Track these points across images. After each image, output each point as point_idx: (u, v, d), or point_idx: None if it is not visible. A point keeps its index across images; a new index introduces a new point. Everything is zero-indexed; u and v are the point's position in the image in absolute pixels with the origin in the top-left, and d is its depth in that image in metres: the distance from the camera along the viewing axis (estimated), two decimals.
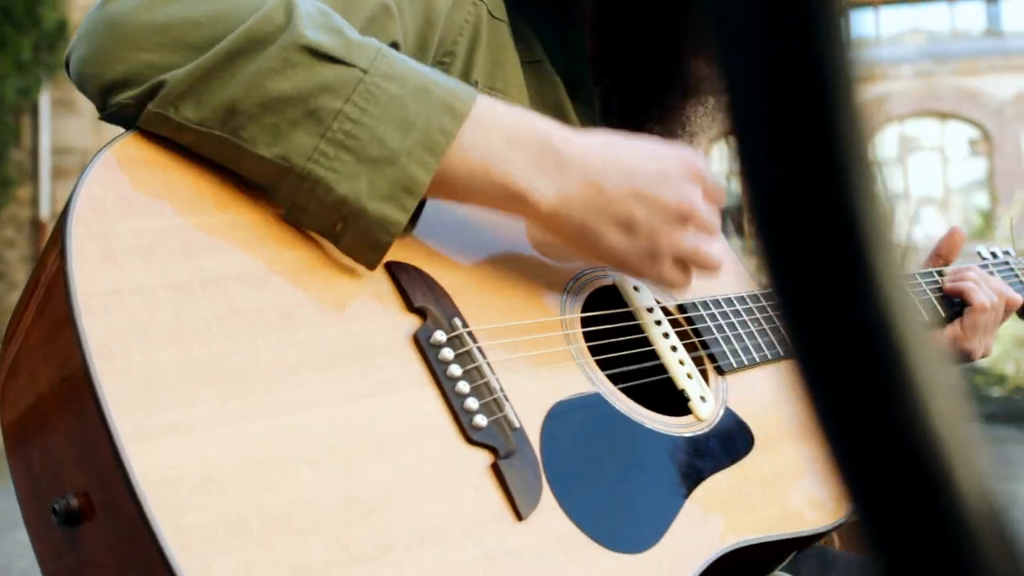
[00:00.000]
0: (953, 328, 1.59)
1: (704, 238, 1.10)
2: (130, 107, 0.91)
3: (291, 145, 0.91)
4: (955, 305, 1.61)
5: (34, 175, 11.58)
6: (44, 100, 11.48)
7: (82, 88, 0.96)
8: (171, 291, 0.85)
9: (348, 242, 0.94)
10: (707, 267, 1.11)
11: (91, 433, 0.77)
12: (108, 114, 0.94)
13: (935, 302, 1.60)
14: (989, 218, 17.59)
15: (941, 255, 1.69)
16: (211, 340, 0.84)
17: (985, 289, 1.61)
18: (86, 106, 11.50)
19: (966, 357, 1.62)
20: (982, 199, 19.68)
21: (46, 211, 11.59)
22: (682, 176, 1.06)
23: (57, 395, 0.81)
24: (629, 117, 1.40)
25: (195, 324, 0.84)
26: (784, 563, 1.26)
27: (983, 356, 1.63)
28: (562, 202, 1.01)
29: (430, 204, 1.08)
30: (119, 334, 0.80)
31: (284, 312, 0.90)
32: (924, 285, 1.61)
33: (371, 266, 0.96)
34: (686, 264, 1.10)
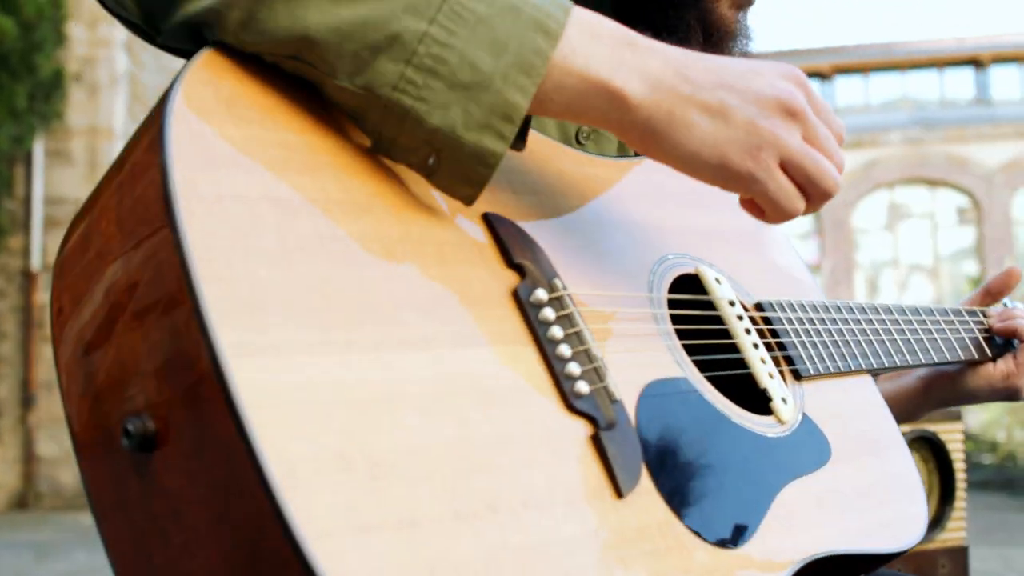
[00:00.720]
0: (1006, 363, 1.56)
1: (821, 147, 0.95)
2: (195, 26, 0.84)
3: (374, 74, 0.82)
4: (1000, 345, 1.59)
5: (26, 225, 11.18)
6: (38, 149, 11.16)
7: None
8: (273, 206, 0.76)
9: (443, 177, 0.86)
10: (821, 182, 0.94)
11: (185, 344, 0.68)
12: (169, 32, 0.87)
13: (981, 340, 1.56)
14: (979, 285, 17.83)
15: (992, 293, 1.66)
16: (314, 263, 0.76)
17: None
18: (80, 156, 11.29)
19: (1016, 394, 1.59)
20: (971, 267, 19.81)
21: (37, 262, 11.15)
22: (780, 75, 0.94)
23: (142, 296, 0.71)
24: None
25: (298, 243, 0.76)
26: None
27: None
28: (650, 89, 0.88)
29: (517, 158, 1.01)
30: (222, 242, 0.71)
31: (385, 246, 0.82)
32: (971, 323, 1.58)
33: (468, 201, 0.87)
34: (795, 178, 0.94)
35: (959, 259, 19.24)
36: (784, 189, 0.94)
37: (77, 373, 0.77)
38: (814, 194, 0.96)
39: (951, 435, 2.28)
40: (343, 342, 0.74)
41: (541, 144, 1.06)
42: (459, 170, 0.85)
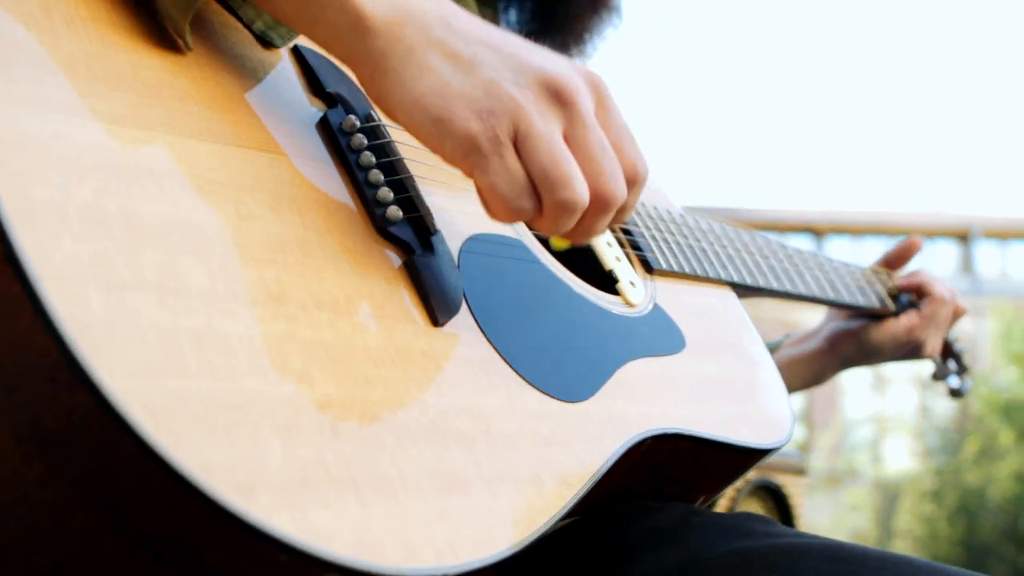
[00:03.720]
0: (909, 317, 1.57)
1: (585, 152, 0.76)
2: None
3: None
4: (904, 303, 1.61)
5: None
6: None
7: None
8: None
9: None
10: (560, 188, 0.74)
11: None
12: None
13: (884, 295, 1.58)
14: (804, 450, 18.15)
15: (891, 262, 1.67)
16: (85, 41, 0.70)
17: (942, 283, 1.62)
18: None
19: (919, 348, 1.60)
20: (798, 431, 20.38)
21: None
22: (571, 64, 0.78)
23: None
24: (532, 13, 1.31)
25: (64, 20, 0.69)
26: (705, 501, 1.12)
27: (930, 354, 1.63)
28: (396, 17, 0.74)
29: None
30: None
31: (172, 48, 0.75)
32: (875, 280, 1.59)
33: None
34: (528, 168, 0.75)
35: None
36: (510, 172, 0.74)
37: None
38: (547, 200, 0.75)
39: (795, 488, 2.27)
40: (114, 113, 0.68)
41: None
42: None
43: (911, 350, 1.60)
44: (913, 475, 15.96)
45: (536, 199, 0.75)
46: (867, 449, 20.31)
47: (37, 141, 0.62)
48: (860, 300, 1.51)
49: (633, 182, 0.80)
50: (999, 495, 13.78)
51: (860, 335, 1.58)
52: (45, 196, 0.60)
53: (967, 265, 23.47)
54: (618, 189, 0.77)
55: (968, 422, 16.23)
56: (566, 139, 0.75)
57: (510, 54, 0.75)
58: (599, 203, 0.77)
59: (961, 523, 13.64)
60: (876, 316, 1.58)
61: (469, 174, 0.76)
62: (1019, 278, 21.70)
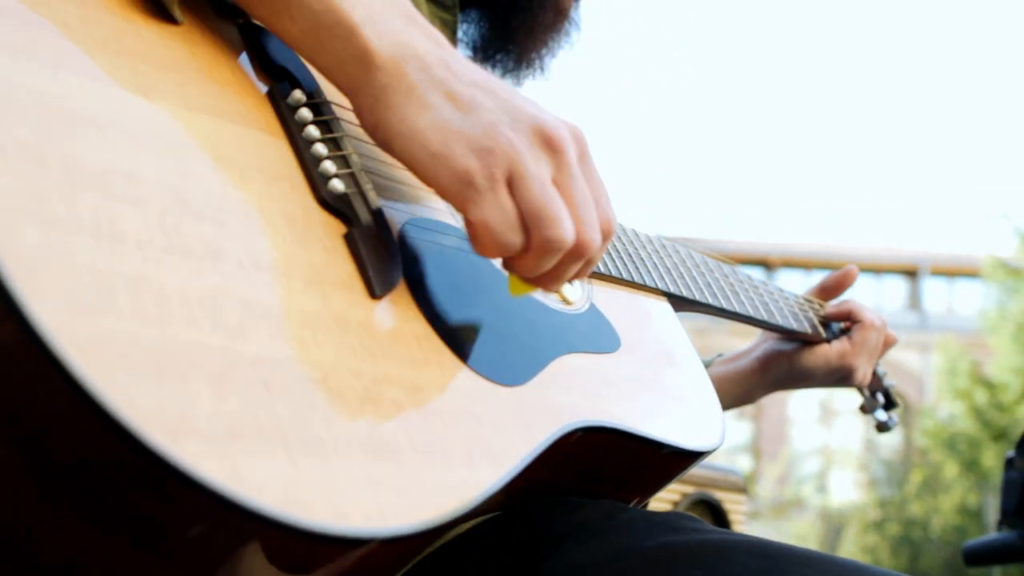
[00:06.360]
0: (842, 343, 1.59)
1: (568, 195, 0.81)
2: None
3: None
4: (835, 331, 1.63)
5: None
6: None
7: None
8: None
9: None
10: (549, 227, 0.79)
11: None
12: None
13: (816, 322, 1.59)
14: (751, 480, 18.29)
15: (826, 290, 1.68)
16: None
17: (873, 311, 1.63)
18: None
19: (849, 375, 1.61)
20: (745, 462, 20.56)
21: None
22: (558, 117, 0.83)
23: None
24: (489, 29, 1.34)
25: None
26: (638, 504, 1.13)
27: (860, 382, 1.64)
28: (400, 57, 0.79)
29: None
30: None
31: (125, 5, 0.76)
32: (807, 307, 1.61)
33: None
34: (521, 207, 0.79)
35: (733, 454, 20.03)
36: (502, 209, 0.78)
37: None
38: (535, 238, 0.79)
39: (734, 504, 2.29)
40: (54, 61, 0.69)
41: None
42: None
43: (842, 376, 1.61)
44: (858, 506, 16.15)
45: (524, 236, 0.80)
46: (813, 480, 20.51)
47: None
48: (792, 324, 1.53)
49: (605, 236, 0.84)
50: (942, 526, 13.99)
51: (792, 357, 1.59)
52: None
53: (915, 301, 23.87)
54: (596, 239, 0.83)
55: (913, 455, 16.47)
56: (555, 183, 0.80)
57: (505, 100, 0.80)
58: (579, 248, 0.82)
59: (904, 554, 13.82)
60: (808, 341, 1.59)
61: (461, 209, 0.79)
62: (965, 314, 22.10)
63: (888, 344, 1.66)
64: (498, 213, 0.78)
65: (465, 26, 1.40)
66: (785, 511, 17.12)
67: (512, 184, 0.78)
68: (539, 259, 0.81)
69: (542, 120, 0.80)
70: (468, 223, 0.80)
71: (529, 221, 0.79)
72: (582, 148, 0.83)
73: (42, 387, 0.55)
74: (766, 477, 18.67)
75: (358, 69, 0.79)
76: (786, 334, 1.58)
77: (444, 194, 0.79)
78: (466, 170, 0.77)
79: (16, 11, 0.68)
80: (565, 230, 0.79)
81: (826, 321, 1.62)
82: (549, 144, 0.80)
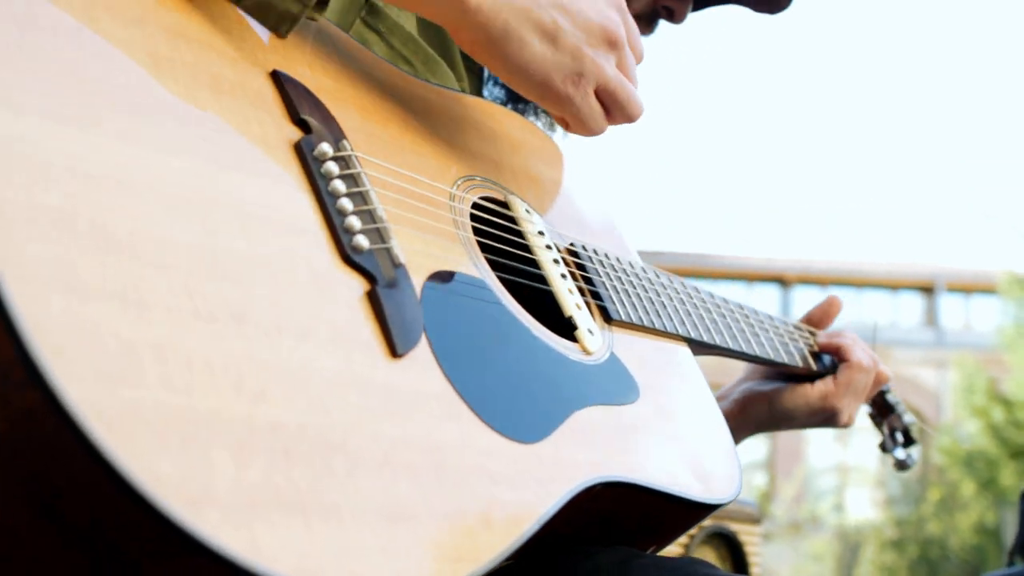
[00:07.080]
0: (825, 383, 1.51)
1: (628, 76, 1.05)
2: None
3: None
4: (826, 364, 1.55)
5: None
6: None
7: None
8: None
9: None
10: (628, 108, 1.05)
11: None
12: None
13: (807, 353, 1.53)
14: (766, 498, 18.16)
15: (812, 321, 1.62)
16: (62, 48, 0.71)
17: (864, 349, 1.56)
18: None
19: (832, 416, 1.53)
20: (760, 478, 20.42)
21: None
22: (609, 3, 1.04)
23: None
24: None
25: (52, 25, 0.71)
26: (655, 552, 1.12)
27: (846, 424, 1.57)
28: None
29: (345, 55, 0.97)
30: None
31: (152, 57, 0.77)
32: (797, 335, 1.54)
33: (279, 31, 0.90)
34: (606, 102, 1.04)
35: (748, 471, 19.85)
36: (594, 111, 1.04)
37: None
38: (619, 117, 1.07)
39: (749, 536, 2.27)
40: (83, 120, 0.69)
41: (371, 58, 1.04)
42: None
43: (825, 418, 1.53)
44: (875, 525, 16.02)
45: (609, 119, 1.06)
46: (829, 498, 20.37)
47: (4, 143, 0.62)
48: (785, 359, 1.45)
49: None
50: (960, 545, 13.87)
51: (772, 399, 1.52)
52: (9, 197, 0.60)
53: (931, 317, 23.69)
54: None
55: (930, 473, 16.33)
56: (619, 67, 1.04)
57: (576, 12, 1.00)
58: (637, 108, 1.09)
59: (922, 573, 13.70)
60: (795, 377, 1.52)
61: (560, 116, 1.05)
62: (982, 331, 21.92)
63: (879, 383, 1.59)
64: (593, 114, 1.04)
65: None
66: (801, 529, 16.99)
67: (599, 90, 1.02)
68: (617, 124, 1.08)
69: (603, 25, 1.01)
70: (564, 122, 1.06)
71: (613, 109, 1.05)
72: (626, 21, 1.05)
73: (64, 455, 0.56)
74: (781, 496, 18.53)
75: (457, 14, 0.95)
76: (784, 368, 1.50)
77: (550, 107, 1.03)
78: (567, 95, 1.01)
79: (45, 71, 0.68)
80: (639, 105, 1.06)
81: (815, 352, 1.54)
82: (613, 43, 1.02)
